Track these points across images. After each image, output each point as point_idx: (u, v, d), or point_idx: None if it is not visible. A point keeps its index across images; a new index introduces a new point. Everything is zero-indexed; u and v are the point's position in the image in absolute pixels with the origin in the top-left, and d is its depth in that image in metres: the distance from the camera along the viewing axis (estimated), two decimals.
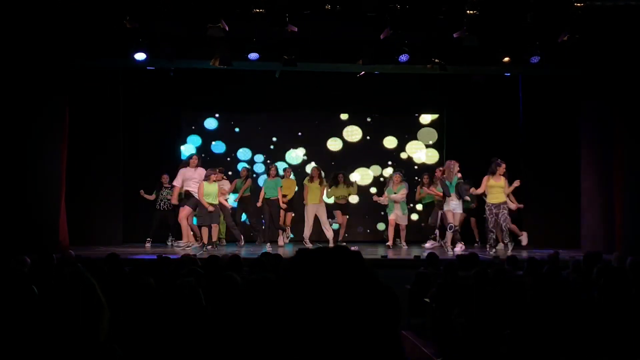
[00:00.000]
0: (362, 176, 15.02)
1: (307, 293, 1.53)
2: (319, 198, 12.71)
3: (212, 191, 11.85)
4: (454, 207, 12.08)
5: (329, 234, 12.78)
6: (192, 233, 12.22)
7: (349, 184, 13.38)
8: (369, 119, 15.16)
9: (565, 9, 10.07)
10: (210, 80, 13.54)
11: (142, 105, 13.89)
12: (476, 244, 13.29)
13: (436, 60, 11.45)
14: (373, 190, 14.66)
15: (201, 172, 12.18)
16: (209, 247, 11.76)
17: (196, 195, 11.93)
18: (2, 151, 10.84)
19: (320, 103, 14.62)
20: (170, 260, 7.35)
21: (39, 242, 10.17)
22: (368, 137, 15.09)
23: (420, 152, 15.27)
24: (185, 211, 12.05)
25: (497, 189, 11.71)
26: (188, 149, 14.66)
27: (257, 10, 9.79)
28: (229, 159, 14.68)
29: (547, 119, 13.30)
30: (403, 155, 15.17)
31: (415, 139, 15.23)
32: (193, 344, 2.88)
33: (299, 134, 15.02)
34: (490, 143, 14.08)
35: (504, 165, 11.77)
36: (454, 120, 14.99)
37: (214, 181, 11.94)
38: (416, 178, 14.25)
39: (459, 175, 12.27)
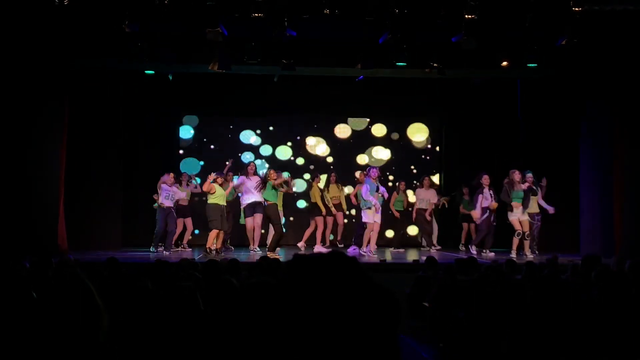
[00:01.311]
0: (369, 158, 15.13)
1: (304, 297, 1.53)
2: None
3: (221, 193, 11.88)
4: (518, 215, 12.02)
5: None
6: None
7: (341, 184, 13.22)
8: (369, 127, 15.21)
9: (563, 13, 10.08)
10: (210, 82, 13.55)
11: (142, 108, 13.91)
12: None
13: (434, 64, 11.47)
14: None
15: (256, 179, 12.19)
16: (214, 252, 11.69)
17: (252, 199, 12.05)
18: (1, 152, 10.83)
19: (318, 106, 14.64)
20: (169, 264, 7.33)
21: (37, 246, 10.14)
22: (369, 122, 15.25)
23: (420, 135, 15.33)
24: (257, 218, 12.14)
25: (532, 199, 12.12)
26: (186, 130, 14.77)
27: (256, 14, 9.79)
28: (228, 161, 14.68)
29: (546, 122, 13.33)
30: (394, 136, 15.29)
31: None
32: (192, 349, 2.88)
33: (297, 137, 15.07)
34: (489, 146, 14.12)
35: (530, 175, 12.13)
36: (453, 124, 15.01)
37: (221, 184, 11.97)
38: (412, 168, 14.57)
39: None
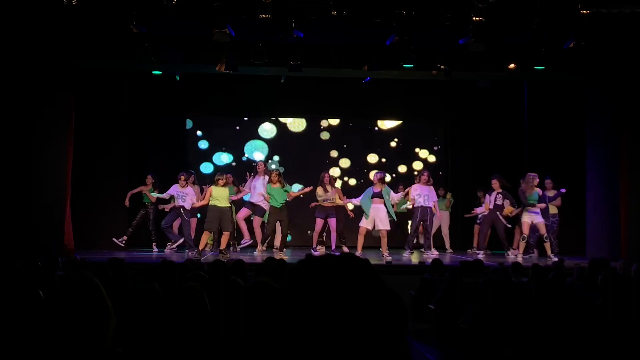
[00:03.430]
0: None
1: (314, 298, 1.54)
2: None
3: (222, 195, 11.79)
4: (532, 217, 12.06)
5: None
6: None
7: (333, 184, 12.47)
8: (376, 128, 15.20)
9: (571, 16, 10.06)
10: (217, 83, 13.57)
11: (148, 108, 13.90)
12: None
13: (442, 66, 11.46)
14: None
15: (265, 181, 12.22)
16: (220, 254, 11.67)
17: (261, 204, 12.18)
18: (7, 152, 10.85)
19: (323, 108, 14.64)
20: (175, 265, 7.34)
21: (43, 246, 10.16)
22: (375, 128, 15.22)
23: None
24: (243, 212, 12.37)
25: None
26: (192, 130, 14.84)
27: (263, 15, 9.81)
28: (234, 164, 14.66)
29: (553, 125, 13.29)
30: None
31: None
32: (198, 349, 2.88)
33: (303, 137, 15.07)
34: (496, 149, 14.08)
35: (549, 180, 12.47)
36: (460, 126, 14.97)
37: (223, 185, 11.89)
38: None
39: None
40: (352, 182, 15.02)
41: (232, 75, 11.99)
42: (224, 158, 14.80)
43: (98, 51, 11.24)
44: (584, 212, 12.64)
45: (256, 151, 14.91)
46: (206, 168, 14.71)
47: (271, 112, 14.82)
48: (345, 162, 15.07)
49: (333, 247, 12.36)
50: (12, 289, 3.25)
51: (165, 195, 12.47)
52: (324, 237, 12.87)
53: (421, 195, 12.31)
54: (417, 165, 14.98)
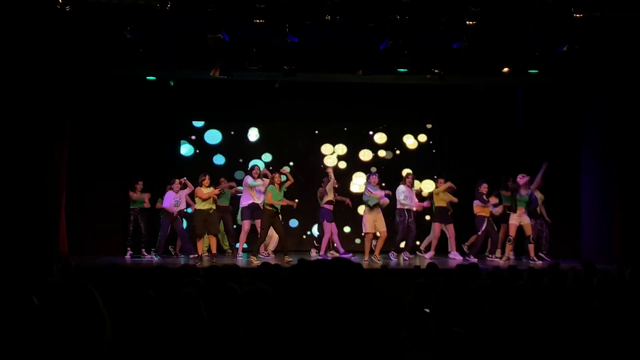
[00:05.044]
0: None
1: (308, 304, 1.53)
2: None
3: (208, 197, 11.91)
4: (520, 220, 12.17)
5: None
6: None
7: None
8: (370, 132, 15.16)
9: (565, 19, 10.10)
10: (214, 89, 13.57)
11: (145, 114, 13.89)
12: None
13: (435, 71, 11.49)
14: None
15: (264, 183, 12.28)
16: (208, 258, 11.73)
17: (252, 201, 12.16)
18: (2, 156, 10.82)
19: (319, 114, 14.63)
20: (170, 270, 7.32)
21: (38, 252, 10.11)
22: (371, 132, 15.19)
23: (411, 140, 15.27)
24: (257, 224, 12.22)
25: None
26: (188, 136, 14.74)
27: (258, 20, 9.81)
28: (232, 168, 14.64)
29: (548, 129, 13.32)
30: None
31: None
32: (194, 356, 2.87)
33: (300, 143, 15.02)
34: (491, 153, 14.09)
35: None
36: (454, 130, 14.97)
37: (208, 186, 11.97)
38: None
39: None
40: (342, 165, 14.96)
41: (227, 81, 11.99)
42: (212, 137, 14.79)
43: (93, 57, 11.23)
44: (579, 215, 12.65)
45: (253, 129, 14.92)
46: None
47: (266, 117, 14.79)
48: (341, 149, 15.11)
49: (322, 252, 12.36)
50: (6, 296, 3.23)
51: (168, 206, 12.37)
52: (331, 243, 12.75)
53: (407, 197, 12.52)
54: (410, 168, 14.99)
